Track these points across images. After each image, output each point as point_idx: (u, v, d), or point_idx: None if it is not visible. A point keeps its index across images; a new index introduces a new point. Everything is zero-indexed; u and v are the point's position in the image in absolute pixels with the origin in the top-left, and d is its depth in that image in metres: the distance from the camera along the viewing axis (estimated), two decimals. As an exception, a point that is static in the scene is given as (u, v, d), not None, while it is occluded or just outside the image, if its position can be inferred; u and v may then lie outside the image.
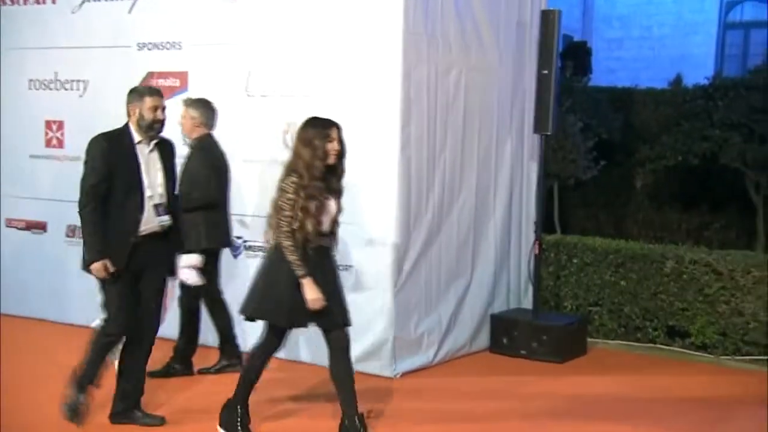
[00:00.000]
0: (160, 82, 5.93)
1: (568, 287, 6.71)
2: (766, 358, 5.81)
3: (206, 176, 4.95)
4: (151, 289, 4.11)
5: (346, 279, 5.33)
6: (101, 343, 4.08)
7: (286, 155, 5.39)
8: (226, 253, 5.40)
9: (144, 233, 4.00)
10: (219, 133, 5.83)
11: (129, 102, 4.06)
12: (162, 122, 4.06)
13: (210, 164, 5.01)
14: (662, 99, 10.92)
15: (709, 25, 15.84)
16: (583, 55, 12.08)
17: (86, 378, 4.05)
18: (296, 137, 3.91)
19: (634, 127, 11.11)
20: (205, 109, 5.11)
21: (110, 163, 3.92)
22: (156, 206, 4.03)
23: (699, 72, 10.77)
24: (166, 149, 4.16)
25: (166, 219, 4.08)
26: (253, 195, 5.66)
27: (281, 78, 5.61)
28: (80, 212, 3.94)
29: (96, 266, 3.90)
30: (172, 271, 4.26)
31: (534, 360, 5.84)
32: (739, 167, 9.62)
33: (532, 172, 6.56)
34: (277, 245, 3.84)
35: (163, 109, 4.07)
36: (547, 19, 5.96)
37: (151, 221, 4.02)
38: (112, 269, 3.91)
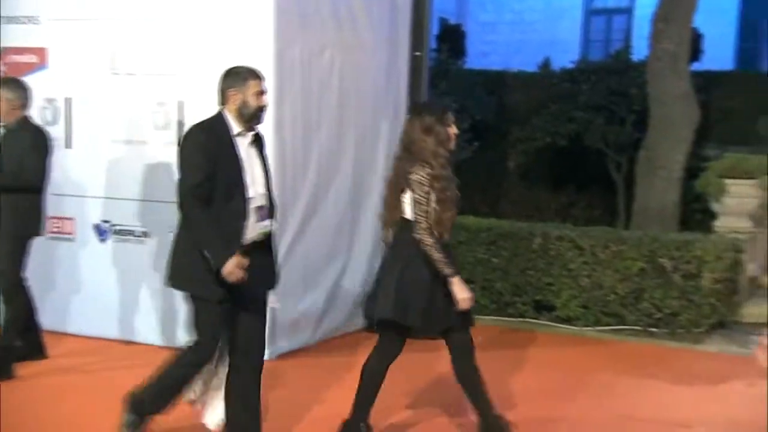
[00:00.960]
0: (15, 59, 5.59)
1: (442, 265, 6.87)
2: (622, 328, 6.19)
3: (36, 159, 4.65)
4: (255, 308, 3.50)
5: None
6: (185, 370, 3.46)
7: (157, 135, 5.39)
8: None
9: (246, 243, 3.36)
10: (85, 112, 5.59)
11: (227, 86, 3.38)
12: (265, 110, 3.46)
13: (39, 147, 4.71)
14: (532, 82, 11.35)
15: (575, 11, 16.54)
16: (458, 38, 12.38)
17: (153, 406, 3.46)
18: (412, 125, 3.58)
19: (506, 109, 11.51)
20: (21, 90, 4.77)
21: (211, 159, 3.27)
22: (258, 209, 3.42)
23: (566, 56, 11.24)
24: (260, 142, 3.53)
25: (268, 224, 3.48)
26: (122, 177, 5.46)
27: (149, 56, 5.40)
28: (187, 216, 3.30)
29: (229, 267, 3.22)
30: (273, 285, 3.64)
31: (412, 337, 5.93)
32: (601, 148, 10.18)
33: (407, 152, 6.64)
34: (403, 242, 3.54)
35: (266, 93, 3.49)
36: (420, 0, 6.04)
37: (253, 228, 3.39)
38: (246, 263, 3.28)
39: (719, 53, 14.82)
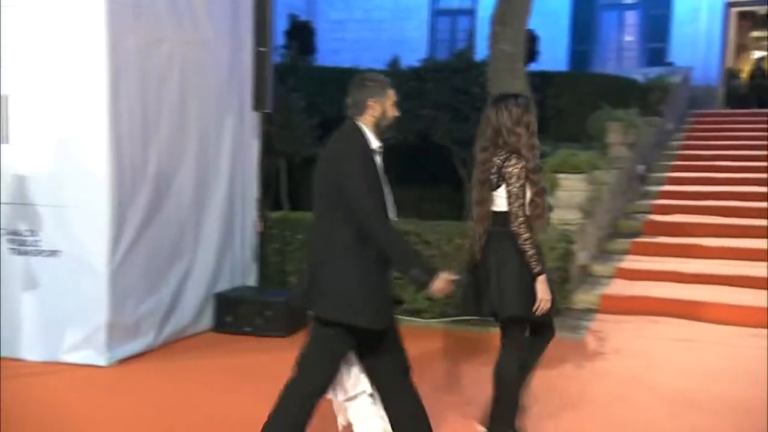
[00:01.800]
0: None
1: (292, 262, 6.84)
2: (466, 318, 6.40)
3: None
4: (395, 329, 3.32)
5: (54, 265, 4.98)
6: (301, 401, 3.16)
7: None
8: None
9: None
10: None
11: (367, 95, 3.12)
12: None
13: None
14: (382, 80, 11.50)
15: (422, 10, 16.99)
16: (308, 34, 12.36)
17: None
18: (499, 116, 3.44)
19: (357, 105, 11.60)
20: None
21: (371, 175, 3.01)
22: None
23: (415, 55, 11.48)
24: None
25: None
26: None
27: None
28: (381, 234, 2.99)
29: (441, 284, 3.05)
30: None
31: (259, 336, 5.89)
32: (447, 144, 10.49)
33: (253, 149, 6.57)
34: (497, 236, 3.45)
35: None
36: (263, -4, 5.97)
37: None
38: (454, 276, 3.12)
39: (554, 55, 15.71)
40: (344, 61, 12.98)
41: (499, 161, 3.45)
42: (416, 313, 6.53)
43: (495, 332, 5.99)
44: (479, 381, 4.88)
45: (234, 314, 5.99)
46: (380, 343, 3.20)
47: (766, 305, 6.40)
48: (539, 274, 3.44)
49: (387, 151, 10.39)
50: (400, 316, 6.43)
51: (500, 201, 3.47)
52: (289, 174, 10.54)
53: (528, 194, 3.43)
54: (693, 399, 4.62)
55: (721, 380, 4.97)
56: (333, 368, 3.15)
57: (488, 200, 3.50)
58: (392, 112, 3.17)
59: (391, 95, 3.17)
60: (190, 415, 4.21)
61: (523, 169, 3.41)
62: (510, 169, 3.41)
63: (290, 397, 3.14)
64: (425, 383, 4.79)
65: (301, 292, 3.17)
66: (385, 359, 3.25)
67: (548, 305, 3.45)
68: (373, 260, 3.02)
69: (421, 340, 5.89)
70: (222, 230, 6.25)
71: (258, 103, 6.05)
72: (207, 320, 6.05)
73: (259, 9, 5.90)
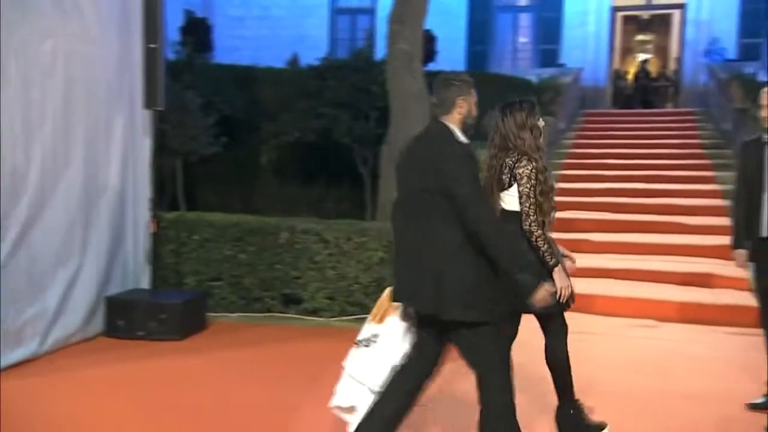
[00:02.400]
0: None
1: (189, 264, 6.69)
2: (366, 316, 6.42)
3: None
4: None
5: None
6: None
7: None
8: None
9: None
10: None
11: (456, 94, 3.18)
12: None
13: None
14: (281, 78, 11.40)
15: (322, 8, 16.94)
16: (204, 31, 12.10)
17: None
18: (505, 122, 3.65)
19: (257, 104, 11.47)
20: None
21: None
22: None
23: (315, 53, 11.43)
24: None
25: None
26: None
27: None
28: (493, 239, 3.01)
29: (542, 294, 3.30)
30: None
31: (153, 340, 5.72)
32: (348, 143, 10.50)
33: (145, 148, 6.36)
34: (508, 234, 3.41)
35: None
36: (151, -9, 5.78)
37: None
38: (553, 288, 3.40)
39: (453, 55, 15.99)
40: (243, 58, 12.80)
41: (511, 162, 3.63)
42: (315, 312, 6.50)
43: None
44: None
45: (126, 318, 5.80)
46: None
47: (653, 297, 6.71)
48: (555, 265, 3.55)
49: (287, 149, 10.34)
50: (298, 316, 6.47)
51: (511, 200, 3.61)
52: (185, 174, 10.30)
53: (537, 193, 3.58)
54: (583, 387, 4.76)
55: (610, 369, 5.16)
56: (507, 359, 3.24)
57: (497, 201, 3.65)
58: (475, 111, 3.29)
59: (474, 93, 3.28)
60: (71, 428, 4.03)
61: (533, 170, 3.57)
62: (521, 171, 3.57)
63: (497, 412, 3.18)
64: (324, 381, 4.79)
65: (425, 301, 3.09)
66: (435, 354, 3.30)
67: (569, 291, 3.60)
68: (483, 257, 3.07)
69: (318, 339, 5.88)
70: (113, 232, 6.03)
71: (149, 101, 5.87)
72: (98, 325, 5.83)
73: (149, 4, 5.72)
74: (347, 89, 10.12)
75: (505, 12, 18.50)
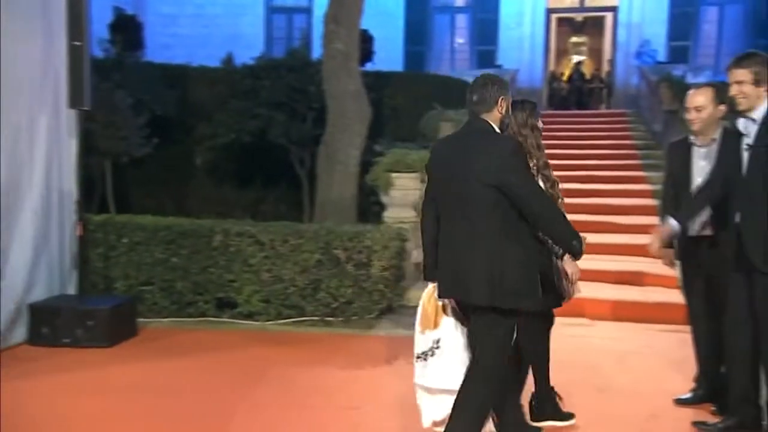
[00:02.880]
0: None
1: (118, 268, 6.51)
2: (302, 319, 6.38)
3: None
4: None
5: None
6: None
7: None
8: None
9: None
10: None
11: (499, 93, 3.30)
12: None
13: None
14: (216, 77, 11.26)
15: (257, 7, 16.77)
16: (134, 28, 11.83)
17: None
18: (510, 122, 3.50)
19: (190, 104, 11.28)
20: None
21: None
22: None
23: (250, 52, 11.33)
24: None
25: None
26: None
27: None
28: (560, 230, 3.29)
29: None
30: None
31: (80, 348, 5.54)
32: (284, 144, 10.42)
33: (71, 149, 6.17)
34: None
35: None
36: (74, -13, 5.60)
37: None
38: None
39: (390, 55, 16.04)
40: (176, 57, 12.57)
41: None
42: (251, 315, 6.41)
43: (336, 332, 6.09)
44: (319, 382, 4.88)
45: (51, 325, 5.60)
46: None
47: (587, 296, 6.81)
48: (565, 253, 3.65)
49: (222, 150, 10.18)
50: (233, 320, 6.37)
51: None
52: (116, 176, 10.05)
53: (548, 187, 3.68)
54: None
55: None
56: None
57: None
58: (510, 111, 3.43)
59: (510, 94, 3.41)
60: None
61: (534, 167, 3.65)
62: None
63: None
64: (259, 387, 4.74)
65: (482, 293, 3.18)
66: None
67: (579, 275, 3.75)
68: (533, 247, 3.29)
69: (253, 343, 5.80)
70: (37, 235, 5.83)
71: (74, 101, 5.69)
72: (21, 333, 5.61)
73: (73, 1, 5.54)
74: (283, 89, 10.05)
75: (442, 13, 18.66)
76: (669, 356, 5.41)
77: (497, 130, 3.32)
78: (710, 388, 4.36)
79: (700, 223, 4.19)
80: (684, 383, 4.59)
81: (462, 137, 3.35)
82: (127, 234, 6.54)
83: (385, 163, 7.62)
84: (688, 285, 4.49)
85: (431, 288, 3.44)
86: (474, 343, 3.31)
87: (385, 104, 11.30)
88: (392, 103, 11.56)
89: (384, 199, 7.67)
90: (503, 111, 3.33)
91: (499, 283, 3.14)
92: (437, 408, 3.48)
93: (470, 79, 11.62)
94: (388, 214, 7.60)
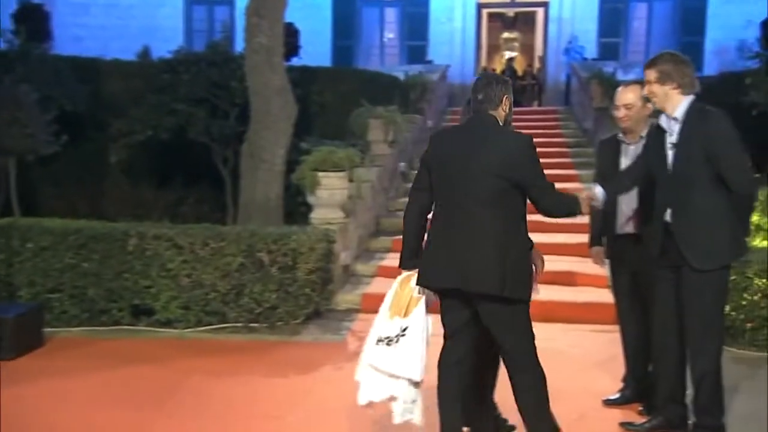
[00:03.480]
0: None
1: (23, 274, 6.32)
2: (224, 326, 6.30)
3: None
4: None
5: None
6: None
7: None
8: None
9: None
10: None
11: (504, 91, 3.57)
12: None
13: None
14: (131, 71, 11.02)
15: (176, -2, 16.52)
16: (41, 19, 11.47)
17: None
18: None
19: (103, 99, 11.00)
20: None
21: None
22: None
23: (169, 45, 11.12)
24: None
25: None
26: None
27: None
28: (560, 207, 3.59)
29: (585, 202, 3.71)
30: None
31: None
32: (206, 142, 10.27)
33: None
34: None
35: None
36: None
37: None
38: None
39: (318, 49, 16.00)
40: (87, 50, 12.25)
41: None
42: (169, 323, 6.31)
43: (260, 339, 6.03)
44: (241, 390, 4.83)
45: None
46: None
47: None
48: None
49: (138, 148, 9.95)
50: (150, 328, 6.25)
51: None
52: (23, 175, 9.71)
53: None
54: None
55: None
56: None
57: None
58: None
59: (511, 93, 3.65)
60: None
61: None
62: None
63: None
64: (177, 398, 4.65)
65: (488, 282, 3.37)
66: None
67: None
68: (529, 240, 3.58)
69: (171, 353, 5.69)
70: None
71: (-27, 95, 5.47)
72: None
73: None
74: (204, 84, 9.92)
75: (370, 6, 18.71)
76: (598, 356, 5.56)
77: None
78: (638, 387, 4.50)
79: (625, 218, 4.31)
80: (612, 383, 4.72)
81: (470, 130, 3.56)
82: (32, 238, 6.34)
83: (311, 161, 7.60)
84: (616, 284, 4.61)
85: (405, 276, 3.60)
86: (494, 335, 3.52)
87: (312, 100, 11.27)
88: (319, 100, 11.53)
89: (310, 199, 7.65)
90: (507, 109, 3.59)
91: (510, 272, 3.38)
92: (379, 391, 3.64)
93: (401, 75, 11.74)
94: (315, 215, 7.59)
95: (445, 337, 3.62)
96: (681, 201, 3.80)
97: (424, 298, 3.57)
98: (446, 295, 3.53)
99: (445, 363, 3.60)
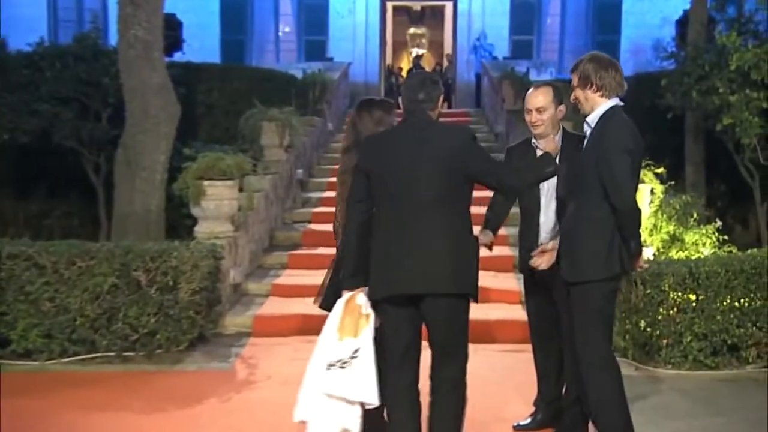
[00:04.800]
0: None
1: None
2: (94, 356, 6.09)
3: None
4: None
5: None
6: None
7: None
8: None
9: None
10: None
11: (438, 91, 3.92)
12: None
13: None
14: (-16, 66, 10.55)
15: (37, -18, 16.01)
16: None
17: None
18: (362, 120, 4.19)
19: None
20: None
21: None
22: None
23: (30, 37, 10.77)
24: None
25: None
26: None
27: None
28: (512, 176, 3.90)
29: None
30: None
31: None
32: (74, 147, 9.95)
33: None
34: None
35: None
36: None
37: None
38: None
39: (205, 44, 15.80)
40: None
41: None
42: (27, 354, 6.07)
43: (137, 369, 5.86)
44: (113, 430, 4.67)
45: None
46: None
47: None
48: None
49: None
50: (5, 361, 5.97)
51: None
52: None
53: None
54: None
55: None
56: None
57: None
58: None
59: None
60: None
61: None
62: None
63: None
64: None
65: (445, 281, 3.65)
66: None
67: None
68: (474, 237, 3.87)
69: (30, 388, 5.48)
70: None
71: None
72: None
73: None
74: (71, 82, 9.64)
75: (263, -4, 18.60)
76: (510, 379, 5.65)
77: None
78: (549, 411, 4.59)
79: (548, 231, 4.40)
80: (525, 408, 4.80)
81: (412, 130, 3.78)
82: None
83: (195, 168, 7.47)
84: (530, 300, 4.70)
85: (350, 295, 3.77)
86: (438, 336, 3.76)
87: (197, 101, 11.12)
88: (206, 100, 11.40)
89: (195, 211, 7.52)
90: (440, 110, 3.91)
91: (467, 271, 3.70)
92: (319, 413, 3.71)
93: (298, 73, 11.70)
94: (200, 229, 7.47)
95: (389, 361, 3.75)
96: (567, 210, 4.00)
97: (373, 315, 3.73)
98: (395, 308, 3.71)
99: (397, 388, 3.75)
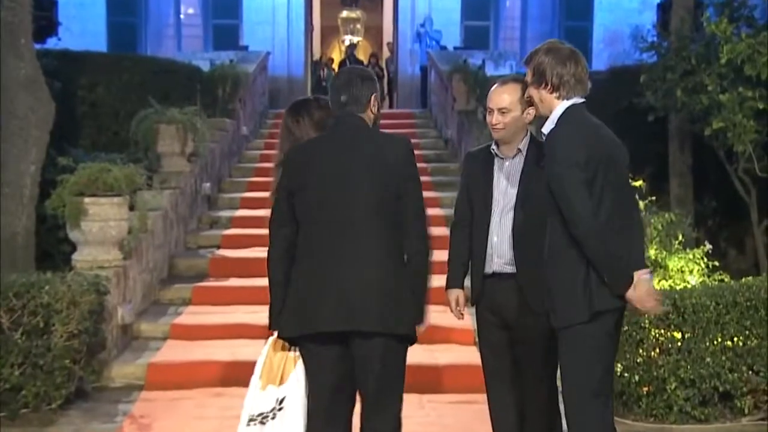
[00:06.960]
0: None
1: None
2: None
3: None
4: None
5: None
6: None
7: None
8: None
9: None
10: None
11: (369, 91, 3.99)
12: None
13: None
14: None
15: None
16: None
17: None
18: (299, 124, 4.25)
19: None
20: None
21: None
22: None
23: None
24: None
25: None
26: None
27: None
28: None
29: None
30: None
31: None
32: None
33: None
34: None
35: None
36: None
37: None
38: None
39: (87, 27, 15.64)
40: None
41: None
42: None
43: None
44: None
45: None
46: None
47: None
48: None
49: None
50: None
51: None
52: None
53: None
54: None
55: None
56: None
57: None
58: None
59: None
60: None
61: None
62: None
63: None
64: None
65: (376, 318, 3.73)
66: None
67: None
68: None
69: None
70: None
71: None
72: None
73: None
74: None
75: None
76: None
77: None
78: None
79: (497, 251, 4.39)
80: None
81: (336, 140, 3.90)
82: None
83: (74, 182, 7.38)
84: (483, 339, 4.68)
85: (276, 336, 3.85)
86: (368, 383, 3.81)
87: (78, 98, 11.02)
88: (89, 97, 11.31)
89: (73, 234, 7.43)
90: (376, 110, 3.98)
91: (402, 305, 3.78)
92: None
93: (203, 64, 11.69)
94: (80, 256, 7.40)
95: (312, 411, 3.82)
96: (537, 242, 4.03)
97: (299, 359, 3.81)
98: (318, 348, 3.77)
99: None
